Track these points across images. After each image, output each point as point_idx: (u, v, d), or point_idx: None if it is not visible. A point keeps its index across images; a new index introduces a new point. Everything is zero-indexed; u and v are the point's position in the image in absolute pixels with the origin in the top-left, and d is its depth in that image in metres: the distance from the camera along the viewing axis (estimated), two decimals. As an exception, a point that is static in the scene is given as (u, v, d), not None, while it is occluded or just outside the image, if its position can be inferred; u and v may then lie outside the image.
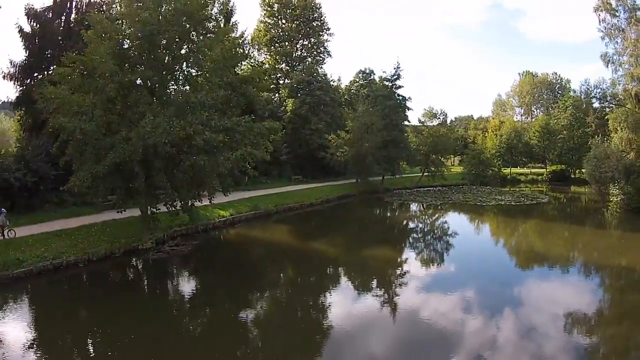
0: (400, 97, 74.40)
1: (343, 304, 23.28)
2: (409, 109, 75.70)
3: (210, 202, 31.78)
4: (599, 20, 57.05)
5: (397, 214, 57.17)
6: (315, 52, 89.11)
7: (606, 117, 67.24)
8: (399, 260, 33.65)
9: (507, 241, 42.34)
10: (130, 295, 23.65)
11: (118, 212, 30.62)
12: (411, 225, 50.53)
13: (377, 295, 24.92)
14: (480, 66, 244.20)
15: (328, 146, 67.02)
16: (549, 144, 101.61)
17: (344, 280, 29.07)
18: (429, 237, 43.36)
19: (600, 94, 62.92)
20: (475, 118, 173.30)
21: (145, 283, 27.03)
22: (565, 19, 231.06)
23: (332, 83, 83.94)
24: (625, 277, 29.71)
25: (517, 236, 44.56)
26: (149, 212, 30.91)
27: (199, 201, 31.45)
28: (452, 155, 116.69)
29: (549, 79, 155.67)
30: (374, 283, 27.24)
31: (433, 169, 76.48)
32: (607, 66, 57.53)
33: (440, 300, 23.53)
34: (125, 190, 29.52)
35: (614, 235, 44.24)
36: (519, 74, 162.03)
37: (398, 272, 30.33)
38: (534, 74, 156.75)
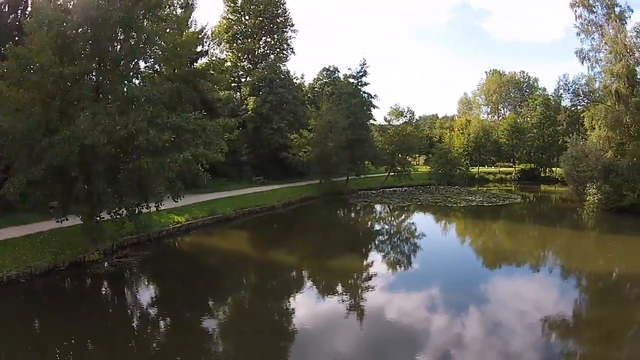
0: (366, 95, 73.68)
1: (306, 309, 22.62)
2: (375, 107, 75.34)
3: (157, 209, 29.13)
4: (576, 17, 57.01)
5: (362, 216, 56.35)
6: (278, 49, 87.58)
7: (582, 115, 67.13)
8: (364, 264, 32.53)
9: (482, 245, 41.29)
10: (67, 316, 21.27)
11: (57, 221, 27.62)
12: (377, 227, 49.84)
13: (342, 299, 24.15)
14: (445, 66, 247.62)
15: (290, 146, 65.54)
16: (518, 143, 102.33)
17: (307, 286, 27.95)
18: (396, 239, 42.36)
19: (579, 90, 61.97)
20: (440, 117, 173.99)
21: (85, 302, 23.85)
22: (531, 19, 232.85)
23: (295, 81, 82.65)
24: (599, 277, 29.71)
25: (491, 239, 43.70)
26: (93, 221, 28.44)
27: (147, 207, 28.77)
28: (417, 155, 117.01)
29: (516, 78, 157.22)
30: (339, 288, 26.33)
31: (399, 168, 75.84)
32: (583, 63, 57.57)
33: (406, 301, 23.64)
34: (67, 196, 26.84)
35: (591, 236, 44.52)
36: (486, 72, 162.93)
37: (364, 276, 29.44)
38: (501, 72, 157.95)
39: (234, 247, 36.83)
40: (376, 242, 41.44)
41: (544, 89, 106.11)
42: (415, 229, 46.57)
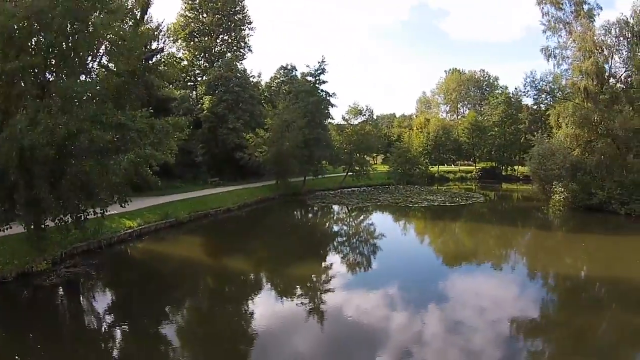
0: (324, 93, 73.31)
1: (265, 312, 22.23)
2: (333, 105, 74.89)
3: (102, 216, 27.72)
4: (542, 14, 57.88)
5: (320, 218, 55.83)
6: (235, 47, 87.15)
7: (548, 113, 68.06)
8: (322, 267, 32.01)
9: (444, 246, 40.92)
10: (13, 330, 19.91)
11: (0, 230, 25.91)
12: (335, 229, 49.54)
13: (300, 302, 23.87)
14: (402, 66, 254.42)
15: (246, 146, 64.78)
16: (478, 141, 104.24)
17: (265, 290, 27.29)
18: (355, 241, 41.95)
19: (546, 87, 62.50)
20: (398, 116, 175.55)
21: (33, 315, 21.96)
22: (490, 19, 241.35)
23: (252, 79, 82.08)
24: (563, 276, 30.08)
25: (454, 239, 43.53)
26: (38, 228, 26.69)
27: (94, 214, 27.45)
28: (375, 154, 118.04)
29: (476, 76, 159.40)
30: (297, 291, 25.80)
31: (357, 168, 75.97)
32: (548, 60, 58.34)
33: (365, 301, 23.56)
34: (8, 203, 25.27)
35: (558, 234, 45.27)
36: (446, 71, 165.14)
37: (322, 278, 29.13)
38: (461, 71, 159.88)
39: (188, 253, 35.52)
40: (334, 245, 40.84)
41: (506, 87, 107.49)
42: (375, 231, 46.38)
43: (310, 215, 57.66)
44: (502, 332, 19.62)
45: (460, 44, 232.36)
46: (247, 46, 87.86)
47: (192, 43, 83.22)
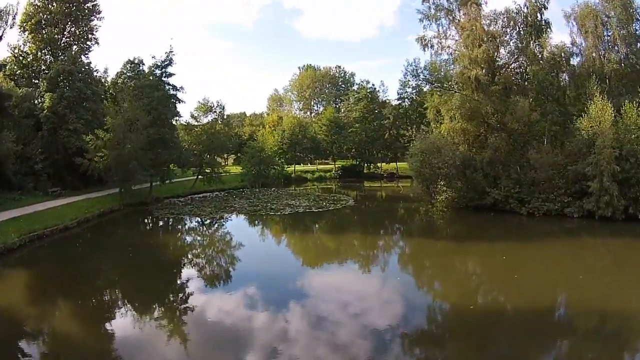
0: (171, 87, 70.12)
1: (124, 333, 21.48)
2: (181, 101, 71.97)
3: None
4: (423, 1, 59.08)
5: (168, 234, 50.44)
6: (83, 39, 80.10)
7: (425, 106, 68.69)
8: (175, 291, 29.51)
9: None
10: None
11: None
12: (185, 256, 41.42)
13: (159, 325, 23.13)
14: (253, 65, 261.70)
15: (87, 150, 59.62)
16: (338, 138, 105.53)
17: (122, 311, 25.61)
18: (211, 269, 38.40)
19: (431, 77, 62.56)
20: (249, 115, 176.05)
21: None
22: (343, 19, 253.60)
23: (95, 74, 77.52)
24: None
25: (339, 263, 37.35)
26: None
27: None
28: (226, 155, 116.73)
29: (331, 73, 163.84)
30: (152, 317, 24.25)
31: (208, 171, 73.64)
32: (425, 50, 59.30)
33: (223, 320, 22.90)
34: None
35: (445, 239, 45.16)
36: (299, 67, 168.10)
37: (178, 300, 27.60)
38: (315, 67, 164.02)
39: (10, 297, 27.71)
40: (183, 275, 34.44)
41: (367, 82, 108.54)
42: (237, 257, 38.69)
43: (158, 232, 52.68)
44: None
45: (313, 43, 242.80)
46: (94, 38, 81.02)
47: (39, 35, 75.38)
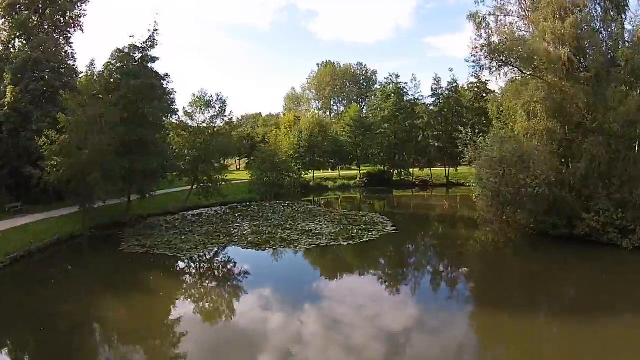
0: (153, 74, 53.00)
1: None
2: (168, 93, 55.37)
3: None
4: None
5: (114, 298, 29.08)
6: (63, 24, 64.45)
7: (486, 100, 50.80)
8: None
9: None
10: None
11: None
12: None
13: None
14: (270, 66, 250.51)
15: (44, 156, 43.89)
16: (363, 141, 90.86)
17: None
18: None
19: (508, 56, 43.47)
20: (264, 115, 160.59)
21: None
22: (359, 21, 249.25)
23: (71, 63, 60.84)
24: None
25: None
26: None
27: None
28: (238, 158, 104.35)
29: (352, 70, 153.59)
30: None
31: (205, 180, 57.61)
32: (478, 29, 42.39)
33: None
34: None
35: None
36: (318, 64, 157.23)
37: None
38: (335, 64, 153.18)
39: None
40: None
41: (398, 75, 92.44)
42: None
43: (101, 289, 30.93)
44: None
45: (329, 44, 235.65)
46: (78, 23, 64.91)
47: (12, 19, 59.89)
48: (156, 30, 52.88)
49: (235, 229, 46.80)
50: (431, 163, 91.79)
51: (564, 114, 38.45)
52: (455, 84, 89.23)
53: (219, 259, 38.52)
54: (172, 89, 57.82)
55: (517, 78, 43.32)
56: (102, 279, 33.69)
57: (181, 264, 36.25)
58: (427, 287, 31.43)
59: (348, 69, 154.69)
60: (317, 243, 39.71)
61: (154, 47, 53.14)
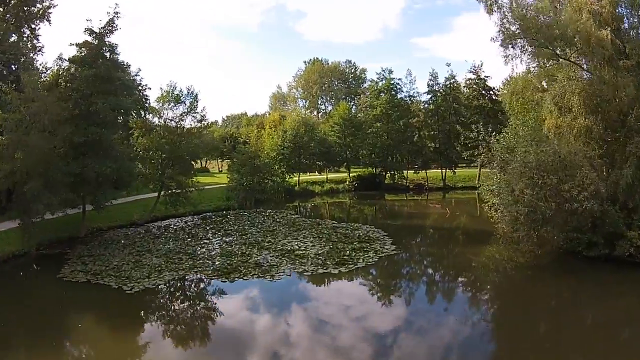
0: (110, 64, 44.45)
1: None
2: (130, 87, 47.46)
3: None
4: None
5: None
6: (27, 15, 55.91)
7: (501, 91, 43.20)
8: None
9: None
10: None
11: None
12: None
13: None
14: (256, 66, 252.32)
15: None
16: (353, 141, 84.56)
17: None
18: None
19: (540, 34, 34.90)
20: (250, 115, 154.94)
21: None
22: (346, 21, 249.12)
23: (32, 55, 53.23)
24: None
25: None
26: None
27: None
28: (219, 159, 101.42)
29: (341, 68, 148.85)
30: None
31: (173, 187, 49.56)
32: (491, 13, 35.69)
33: None
34: None
35: None
36: (305, 62, 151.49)
37: None
38: (323, 61, 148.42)
39: None
40: None
41: (391, 71, 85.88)
42: None
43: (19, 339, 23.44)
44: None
45: (316, 45, 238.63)
46: (47, 16, 56.45)
47: None
48: (117, 13, 44.54)
49: (203, 247, 38.88)
50: (427, 165, 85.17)
51: (604, 109, 30.96)
52: (454, 80, 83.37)
53: (167, 299, 29.09)
54: (143, 85, 50.77)
55: (542, 65, 36.04)
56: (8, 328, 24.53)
57: (118, 307, 26.94)
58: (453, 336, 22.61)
59: (336, 67, 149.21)
60: (300, 270, 31.64)
61: (113, 33, 44.73)
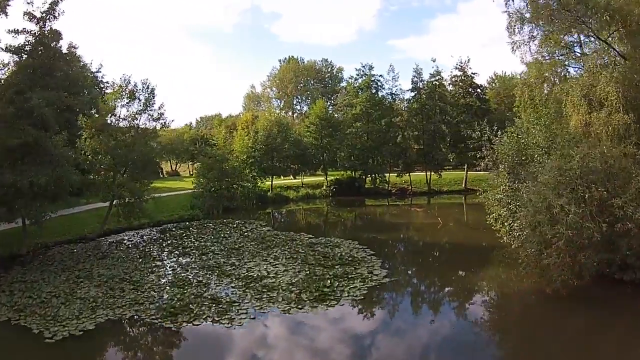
0: (53, 53, 38.29)
1: None
2: (84, 82, 40.83)
3: None
4: None
5: None
6: None
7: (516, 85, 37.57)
8: None
9: None
10: None
11: None
12: None
13: None
14: (230, 68, 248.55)
15: None
16: (330, 142, 79.95)
17: None
18: None
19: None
20: (224, 117, 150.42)
21: None
22: (321, 23, 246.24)
23: None
24: None
25: None
26: None
27: None
28: (190, 162, 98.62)
29: (317, 67, 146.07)
30: None
31: (126, 196, 43.41)
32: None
33: None
34: None
35: None
36: (280, 60, 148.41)
37: None
38: (299, 59, 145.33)
39: None
40: None
41: (372, 67, 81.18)
42: None
43: None
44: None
45: (291, 46, 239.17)
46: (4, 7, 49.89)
47: None
48: (59, -6, 38.25)
49: (154, 272, 32.41)
50: (410, 167, 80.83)
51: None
52: (439, 77, 79.47)
53: (87, 355, 21.84)
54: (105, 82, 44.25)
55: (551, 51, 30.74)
56: None
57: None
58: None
59: (312, 66, 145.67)
60: (267, 308, 24.98)
61: (57, 18, 38.44)
